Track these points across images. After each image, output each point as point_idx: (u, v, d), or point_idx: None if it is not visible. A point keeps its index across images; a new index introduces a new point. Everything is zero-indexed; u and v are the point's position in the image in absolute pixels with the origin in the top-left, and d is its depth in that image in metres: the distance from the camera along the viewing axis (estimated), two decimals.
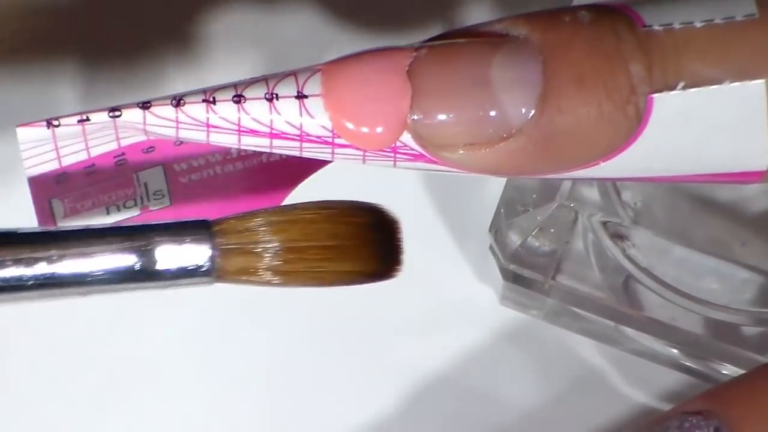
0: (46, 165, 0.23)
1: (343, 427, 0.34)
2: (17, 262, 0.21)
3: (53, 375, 0.35)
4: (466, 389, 0.34)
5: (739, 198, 0.32)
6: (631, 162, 0.22)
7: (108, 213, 0.24)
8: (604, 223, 0.32)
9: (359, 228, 0.22)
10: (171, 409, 0.34)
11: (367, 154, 0.22)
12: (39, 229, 0.22)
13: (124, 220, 0.24)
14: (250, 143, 0.22)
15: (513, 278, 0.32)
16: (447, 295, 0.35)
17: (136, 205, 0.24)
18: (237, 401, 0.34)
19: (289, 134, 0.22)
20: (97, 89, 0.36)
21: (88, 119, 0.22)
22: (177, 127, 0.22)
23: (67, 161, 0.23)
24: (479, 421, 0.34)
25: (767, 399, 0.25)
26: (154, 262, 0.22)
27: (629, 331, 0.32)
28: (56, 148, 0.23)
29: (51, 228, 0.22)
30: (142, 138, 0.23)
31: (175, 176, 0.24)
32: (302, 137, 0.22)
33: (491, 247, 0.32)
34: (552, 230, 0.32)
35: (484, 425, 0.34)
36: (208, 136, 0.22)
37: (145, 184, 0.24)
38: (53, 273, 0.21)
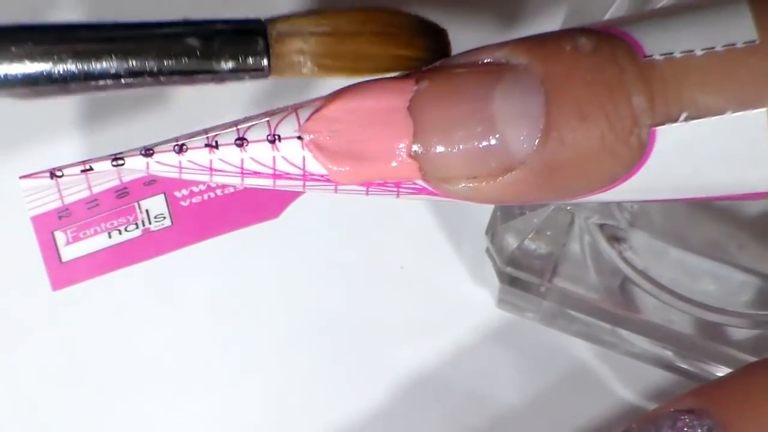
0: (49, 205, 0.23)
1: (339, 426, 0.34)
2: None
3: (53, 374, 0.35)
4: (461, 391, 0.34)
5: (735, 201, 0.32)
6: (634, 188, 0.22)
7: (110, 237, 0.24)
8: (601, 226, 0.31)
9: (410, 19, 0.23)
10: (166, 408, 0.34)
11: (370, 189, 0.22)
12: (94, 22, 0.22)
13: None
14: (253, 183, 0.22)
15: (509, 281, 0.32)
16: (443, 297, 0.35)
17: (137, 228, 0.24)
18: (233, 399, 0.34)
19: (292, 174, 0.22)
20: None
21: (91, 168, 0.22)
22: (180, 172, 0.22)
23: (69, 200, 0.23)
24: (475, 423, 0.34)
25: (761, 399, 0.25)
26: (212, 48, 0.22)
27: (625, 333, 0.32)
28: (59, 190, 0.23)
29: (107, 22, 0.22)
30: (143, 174, 0.23)
31: (176, 201, 0.24)
32: (305, 176, 0.22)
33: (488, 250, 0.32)
34: (549, 233, 0.32)
35: (480, 426, 0.34)
36: (211, 178, 0.22)
37: (147, 210, 0.24)
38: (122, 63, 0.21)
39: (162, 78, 0.21)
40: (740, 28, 0.21)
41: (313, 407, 0.34)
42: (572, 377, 0.34)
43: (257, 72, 0.22)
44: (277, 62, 0.22)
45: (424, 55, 0.22)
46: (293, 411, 0.34)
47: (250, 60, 0.22)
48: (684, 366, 0.33)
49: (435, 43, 0.22)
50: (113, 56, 0.21)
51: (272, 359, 0.35)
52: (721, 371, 0.32)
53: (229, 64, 0.22)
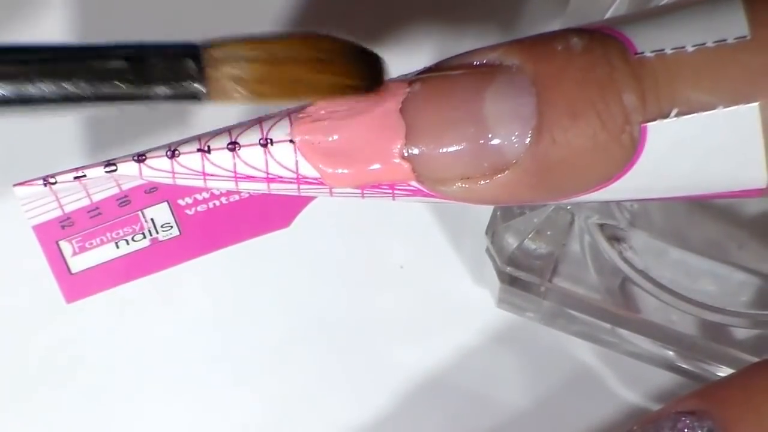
0: (49, 213, 0.23)
1: (338, 427, 0.34)
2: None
3: (57, 378, 0.35)
4: (462, 391, 0.34)
5: (735, 200, 0.32)
6: (628, 187, 0.22)
7: (117, 247, 0.24)
8: (601, 226, 0.31)
9: (346, 46, 0.22)
10: (164, 410, 0.34)
11: (365, 191, 0.22)
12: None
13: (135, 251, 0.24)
14: (248, 188, 0.22)
15: (509, 281, 0.32)
16: (443, 297, 0.35)
17: (145, 237, 0.24)
18: (232, 401, 0.34)
19: (285, 178, 0.22)
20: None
21: (84, 175, 0.22)
22: (173, 177, 0.22)
23: (69, 208, 0.23)
24: (475, 423, 0.34)
25: (762, 400, 0.25)
26: (146, 73, 0.21)
27: (625, 333, 0.32)
28: (57, 199, 0.23)
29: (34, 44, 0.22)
30: (143, 181, 0.23)
31: (181, 210, 0.24)
32: (299, 179, 0.22)
33: (488, 250, 0.32)
34: (549, 233, 0.32)
35: (480, 427, 0.34)
36: (205, 182, 0.22)
37: (152, 219, 0.24)
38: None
39: (94, 103, 0.21)
40: (731, 24, 0.21)
41: (314, 408, 0.34)
42: (573, 377, 0.34)
43: (193, 97, 0.21)
44: (211, 87, 0.21)
45: (360, 82, 0.22)
46: (294, 413, 0.34)
47: (185, 85, 0.21)
48: (685, 366, 0.33)
49: (371, 70, 0.22)
50: (44, 80, 0.21)
51: (272, 361, 0.35)
52: (722, 371, 0.32)
53: (163, 90, 0.21)
